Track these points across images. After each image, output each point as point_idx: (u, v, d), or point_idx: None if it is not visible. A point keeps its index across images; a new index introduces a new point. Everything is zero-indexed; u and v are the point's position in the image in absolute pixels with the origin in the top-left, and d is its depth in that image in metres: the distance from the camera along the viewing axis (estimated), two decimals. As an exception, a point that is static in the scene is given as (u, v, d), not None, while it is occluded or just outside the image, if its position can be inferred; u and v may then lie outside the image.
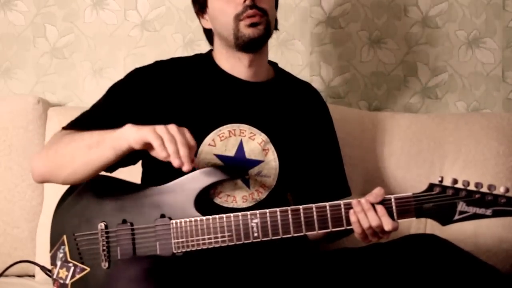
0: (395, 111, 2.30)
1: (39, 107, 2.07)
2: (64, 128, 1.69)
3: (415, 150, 2.08)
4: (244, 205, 1.66)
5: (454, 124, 2.11)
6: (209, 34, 1.78)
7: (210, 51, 1.79)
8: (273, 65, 1.82)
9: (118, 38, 2.24)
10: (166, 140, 1.43)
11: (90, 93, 2.21)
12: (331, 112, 1.86)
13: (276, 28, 1.77)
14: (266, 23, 1.67)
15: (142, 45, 2.24)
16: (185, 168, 1.42)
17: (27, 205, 2.03)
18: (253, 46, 1.68)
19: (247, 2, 1.63)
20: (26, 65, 2.23)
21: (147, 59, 1.78)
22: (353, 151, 2.05)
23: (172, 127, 1.45)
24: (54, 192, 1.77)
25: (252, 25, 1.65)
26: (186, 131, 1.46)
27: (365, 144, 2.09)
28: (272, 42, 2.06)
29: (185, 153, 1.43)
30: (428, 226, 2.03)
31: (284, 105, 1.75)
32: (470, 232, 2.01)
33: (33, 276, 2.03)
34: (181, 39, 2.25)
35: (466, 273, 1.49)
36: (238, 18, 1.64)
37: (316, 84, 2.28)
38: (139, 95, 1.69)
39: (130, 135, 1.47)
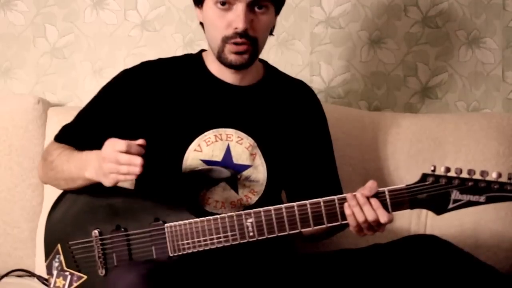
0: (395, 111, 2.30)
1: (39, 107, 2.07)
2: (56, 140, 1.76)
3: (415, 150, 2.08)
4: (233, 210, 1.66)
5: (454, 124, 2.11)
6: (203, 26, 1.73)
7: (201, 51, 1.78)
8: (263, 62, 1.80)
9: (118, 38, 2.24)
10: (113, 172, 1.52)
11: (90, 93, 2.17)
12: (331, 112, 1.85)
13: (271, 34, 1.76)
14: (253, 52, 1.64)
15: (142, 45, 2.24)
16: (137, 171, 1.49)
17: (27, 205, 2.03)
18: (235, 69, 1.67)
19: (238, 30, 1.59)
20: (26, 65, 2.23)
21: (147, 59, 1.78)
22: (353, 151, 2.05)
23: (113, 158, 1.51)
24: (54, 192, 1.77)
25: (237, 53, 1.62)
26: (120, 145, 1.51)
27: (365, 144, 2.08)
28: (272, 42, 2.07)
29: (126, 171, 1.50)
30: (428, 226, 2.03)
31: (273, 107, 1.74)
32: (470, 231, 2.01)
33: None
34: (181, 39, 2.25)
35: (466, 273, 1.50)
36: (225, 40, 1.62)
37: (316, 84, 2.28)
38: (126, 99, 1.70)
39: (92, 178, 1.59)
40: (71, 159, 1.65)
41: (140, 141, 1.51)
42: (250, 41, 1.62)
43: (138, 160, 1.48)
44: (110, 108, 1.70)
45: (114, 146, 1.51)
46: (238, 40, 1.60)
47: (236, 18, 1.59)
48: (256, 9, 1.61)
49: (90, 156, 1.59)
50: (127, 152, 1.49)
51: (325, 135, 1.81)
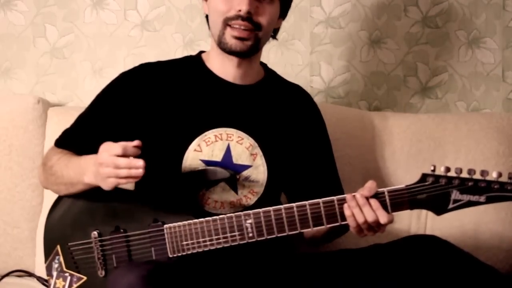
0: (395, 111, 2.30)
1: (39, 107, 2.07)
2: (56, 145, 1.75)
3: (415, 150, 2.08)
4: (232, 210, 1.66)
5: (454, 124, 2.11)
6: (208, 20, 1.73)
7: (200, 53, 1.78)
8: (263, 65, 1.80)
9: (118, 38, 2.24)
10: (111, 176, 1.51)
11: (90, 93, 2.20)
12: (331, 112, 1.86)
13: (274, 37, 1.75)
14: (255, 39, 1.63)
15: (142, 45, 2.24)
16: (140, 173, 1.47)
17: (27, 205, 2.03)
18: (236, 56, 1.66)
19: (242, 13, 1.59)
20: (26, 65, 2.23)
21: (147, 59, 1.78)
22: (353, 151, 2.05)
23: (110, 162, 1.49)
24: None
25: (238, 38, 1.62)
26: (115, 149, 1.49)
27: (365, 144, 2.08)
28: (272, 42, 2.07)
29: (127, 174, 1.48)
30: (428, 226, 2.03)
31: (273, 108, 1.74)
32: (470, 232, 2.01)
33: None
34: (181, 39, 2.25)
35: (466, 273, 1.50)
36: (226, 22, 1.61)
37: (316, 84, 2.28)
38: (125, 101, 1.70)
39: (91, 183, 1.57)
40: (70, 164, 1.64)
41: (136, 142, 1.50)
42: (254, 26, 1.61)
43: (140, 162, 1.46)
44: (110, 111, 1.70)
45: (109, 150, 1.49)
46: (240, 22, 1.60)
47: (240, 1, 1.59)
48: None
49: (88, 160, 1.58)
50: (124, 155, 1.48)
51: (324, 137, 1.81)
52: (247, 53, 1.65)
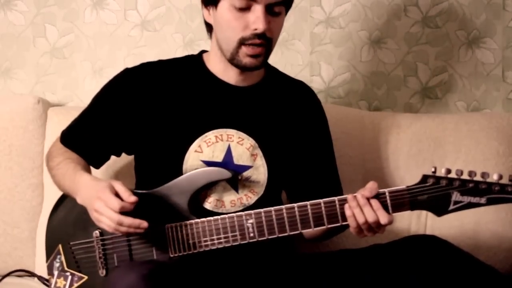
0: (395, 111, 2.30)
1: (39, 107, 2.07)
2: (61, 141, 1.76)
3: (415, 150, 2.08)
4: (232, 209, 1.66)
5: (454, 124, 2.11)
6: (209, 26, 1.71)
7: (201, 52, 1.78)
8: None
9: (118, 38, 2.24)
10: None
11: (90, 93, 2.18)
12: (331, 112, 1.85)
13: None
14: (266, 54, 1.63)
15: (142, 45, 2.24)
16: (140, 231, 1.52)
17: (27, 205, 2.03)
18: (246, 71, 1.67)
19: (258, 31, 1.58)
20: (26, 65, 2.23)
21: (147, 59, 1.78)
22: (353, 151, 2.05)
23: (113, 217, 1.50)
24: (54, 192, 1.77)
25: (252, 56, 1.61)
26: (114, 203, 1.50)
27: (365, 144, 2.08)
28: (272, 42, 2.07)
29: (126, 231, 1.52)
30: (428, 226, 2.03)
31: (273, 107, 1.74)
32: (470, 232, 2.01)
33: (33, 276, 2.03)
34: (181, 39, 2.25)
35: (466, 273, 1.50)
36: (242, 42, 1.60)
37: (316, 84, 2.28)
38: (126, 99, 1.70)
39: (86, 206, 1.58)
40: (66, 175, 1.66)
41: (133, 199, 1.50)
42: (266, 42, 1.61)
43: (144, 224, 1.50)
44: (112, 108, 1.71)
45: (107, 202, 1.50)
46: (257, 41, 1.59)
47: (256, 19, 1.58)
48: (272, 11, 1.61)
49: (82, 182, 1.59)
50: (120, 210, 1.49)
51: (325, 136, 1.81)
52: (259, 67, 1.66)
